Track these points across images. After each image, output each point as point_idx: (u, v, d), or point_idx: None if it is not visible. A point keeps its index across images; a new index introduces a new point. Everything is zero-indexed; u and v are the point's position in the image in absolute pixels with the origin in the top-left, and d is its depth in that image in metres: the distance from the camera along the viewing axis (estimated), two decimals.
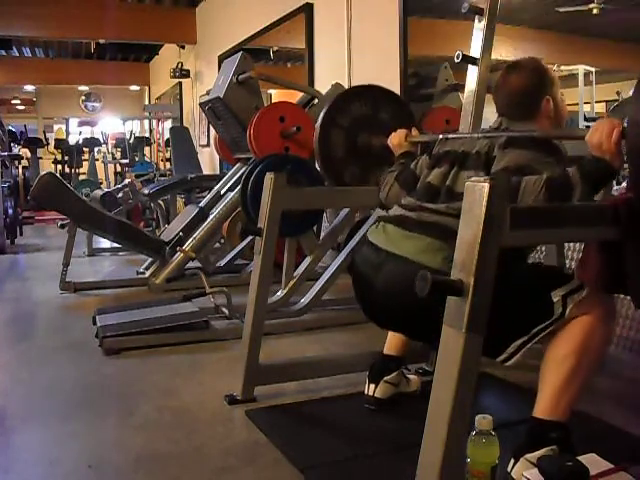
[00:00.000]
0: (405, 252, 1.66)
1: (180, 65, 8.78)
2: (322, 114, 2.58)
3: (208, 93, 4.85)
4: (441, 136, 1.98)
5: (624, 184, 3.39)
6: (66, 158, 11.63)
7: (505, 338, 1.54)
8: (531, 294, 1.56)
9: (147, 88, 13.16)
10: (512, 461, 1.52)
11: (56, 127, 14.33)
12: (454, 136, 1.96)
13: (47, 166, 11.56)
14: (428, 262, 1.58)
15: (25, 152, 11.18)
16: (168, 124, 10.72)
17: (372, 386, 2.08)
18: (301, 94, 4.59)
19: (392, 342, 2.14)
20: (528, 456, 1.49)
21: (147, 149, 11.36)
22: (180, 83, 9.61)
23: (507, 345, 1.54)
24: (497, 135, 1.76)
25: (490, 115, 2.02)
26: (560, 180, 1.48)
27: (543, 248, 2.52)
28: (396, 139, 2.29)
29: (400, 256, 1.67)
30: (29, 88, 14.17)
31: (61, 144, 11.92)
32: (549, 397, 1.52)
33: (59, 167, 11.75)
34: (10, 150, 9.14)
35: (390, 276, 1.69)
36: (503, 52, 3.78)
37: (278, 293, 3.29)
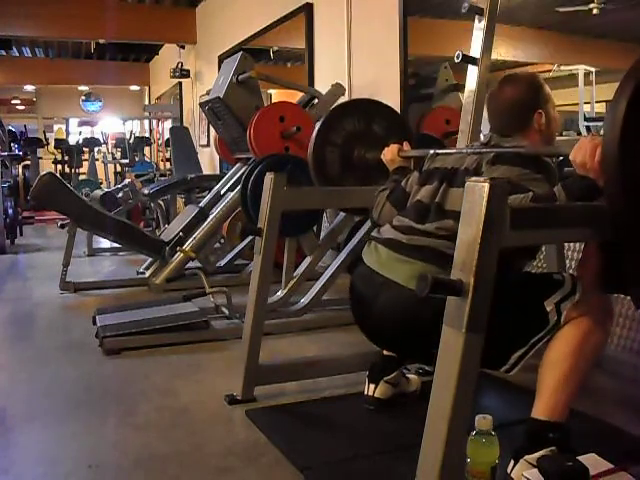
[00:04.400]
0: (400, 278, 1.67)
1: (180, 65, 8.77)
2: (314, 136, 2.59)
3: (208, 93, 4.85)
4: (431, 152, 1.99)
5: None
6: (66, 158, 11.61)
7: (504, 350, 1.56)
8: (524, 306, 1.57)
9: (147, 88, 13.15)
10: (512, 462, 1.53)
11: (56, 127, 14.34)
12: (444, 152, 1.97)
13: (47, 166, 11.54)
14: None
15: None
16: (168, 124, 10.71)
17: (372, 386, 2.08)
18: (301, 94, 4.59)
19: None
20: (528, 457, 1.49)
21: (147, 149, 11.34)
22: (180, 83, 9.61)
23: (507, 356, 1.56)
24: (486, 151, 1.76)
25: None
26: (546, 198, 1.48)
27: (543, 248, 2.52)
28: (389, 154, 2.30)
29: (396, 283, 1.67)
30: (29, 88, 14.16)
31: (61, 144, 11.90)
32: (546, 398, 1.53)
33: (59, 167, 11.74)
34: (10, 150, 9.13)
35: (387, 304, 1.71)
36: (503, 52, 3.79)
37: (278, 293, 3.30)
